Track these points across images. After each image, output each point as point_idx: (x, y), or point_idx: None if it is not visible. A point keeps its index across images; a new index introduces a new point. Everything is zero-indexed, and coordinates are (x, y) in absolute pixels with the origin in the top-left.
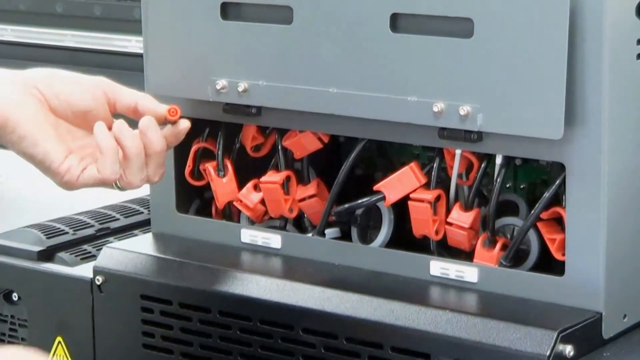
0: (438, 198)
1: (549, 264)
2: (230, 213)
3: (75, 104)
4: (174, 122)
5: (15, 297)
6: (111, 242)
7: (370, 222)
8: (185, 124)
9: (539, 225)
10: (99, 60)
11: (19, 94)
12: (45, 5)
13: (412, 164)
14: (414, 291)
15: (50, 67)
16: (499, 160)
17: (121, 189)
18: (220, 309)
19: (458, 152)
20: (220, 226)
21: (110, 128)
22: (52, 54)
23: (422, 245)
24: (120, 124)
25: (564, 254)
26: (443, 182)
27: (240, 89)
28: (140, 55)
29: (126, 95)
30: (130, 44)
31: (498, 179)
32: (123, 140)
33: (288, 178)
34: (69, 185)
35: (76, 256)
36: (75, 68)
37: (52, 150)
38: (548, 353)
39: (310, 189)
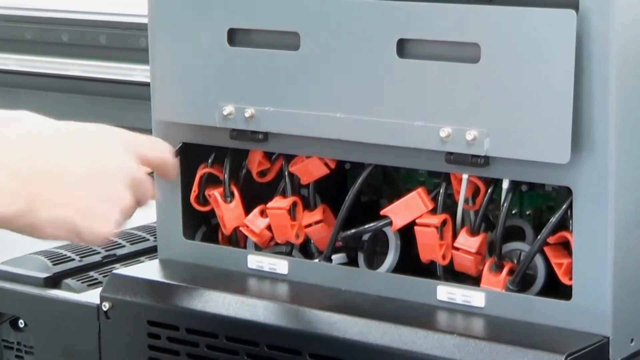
0: (444, 223)
1: (556, 288)
2: (236, 239)
3: None
4: None
5: (21, 323)
6: (117, 268)
7: (377, 248)
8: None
9: (546, 249)
10: (105, 89)
11: None
12: (51, 34)
13: (419, 189)
14: (421, 316)
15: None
16: (505, 184)
17: None
18: (227, 335)
19: (465, 176)
20: (227, 252)
21: None
22: (57, 82)
23: (429, 271)
24: None
25: (571, 278)
26: (449, 207)
27: (247, 115)
28: (146, 84)
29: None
30: (136, 72)
31: (505, 204)
32: None
33: (294, 204)
34: None
35: (82, 282)
36: (81, 97)
37: None
38: None
39: (317, 214)
